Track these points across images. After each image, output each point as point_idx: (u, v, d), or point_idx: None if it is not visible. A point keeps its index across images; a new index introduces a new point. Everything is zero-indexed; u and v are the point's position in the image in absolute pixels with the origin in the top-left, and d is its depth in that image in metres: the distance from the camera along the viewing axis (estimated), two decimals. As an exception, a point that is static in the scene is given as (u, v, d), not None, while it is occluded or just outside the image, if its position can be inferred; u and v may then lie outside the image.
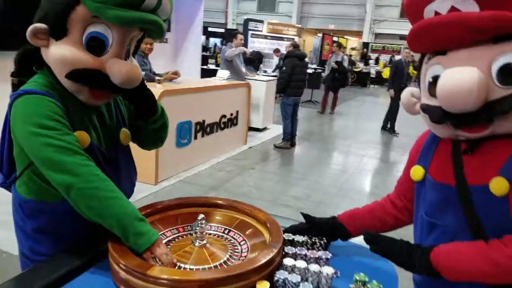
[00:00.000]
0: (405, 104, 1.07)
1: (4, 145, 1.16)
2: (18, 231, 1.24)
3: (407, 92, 1.07)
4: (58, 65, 1.07)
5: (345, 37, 19.02)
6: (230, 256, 1.13)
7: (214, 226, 1.30)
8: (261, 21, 12.76)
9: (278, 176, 5.12)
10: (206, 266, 1.07)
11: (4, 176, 1.21)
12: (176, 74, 4.97)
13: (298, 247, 1.13)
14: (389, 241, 1.03)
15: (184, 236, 1.24)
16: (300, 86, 6.12)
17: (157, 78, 4.42)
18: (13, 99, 1.07)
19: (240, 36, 6.50)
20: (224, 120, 5.54)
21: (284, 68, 6.04)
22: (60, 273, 1.03)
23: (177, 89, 4.49)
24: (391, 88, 7.75)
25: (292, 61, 5.97)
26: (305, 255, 1.09)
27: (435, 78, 0.93)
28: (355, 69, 16.98)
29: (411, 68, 7.69)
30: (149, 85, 1.25)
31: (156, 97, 1.29)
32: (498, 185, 0.89)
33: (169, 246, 1.16)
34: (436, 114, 0.94)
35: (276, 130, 7.22)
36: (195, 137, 4.89)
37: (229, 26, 21.86)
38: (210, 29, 14.42)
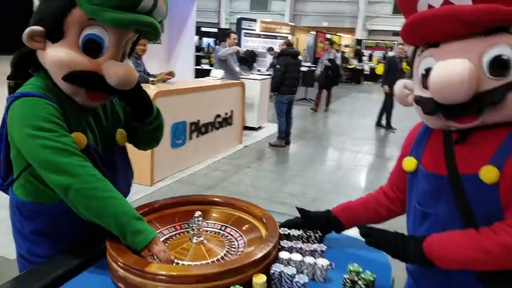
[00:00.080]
0: (398, 96, 1.09)
1: (1, 148, 1.17)
2: (16, 233, 1.25)
3: (400, 84, 1.09)
4: (54, 67, 1.08)
5: (338, 34, 19.02)
6: (227, 251, 1.15)
7: (211, 223, 1.31)
8: (254, 20, 12.75)
9: (274, 174, 5.14)
10: (203, 262, 1.08)
11: (1, 179, 1.21)
12: (171, 74, 4.96)
13: (294, 241, 1.15)
14: (384, 233, 1.05)
15: (182, 234, 1.25)
16: (294, 84, 6.14)
17: (150, 79, 4.41)
18: (10, 102, 1.07)
19: (233, 36, 6.48)
20: (219, 119, 5.54)
21: (278, 66, 6.05)
22: (58, 274, 1.03)
23: (171, 89, 4.48)
24: (385, 84, 7.79)
25: (286, 59, 5.98)
26: (301, 248, 1.11)
27: (428, 70, 0.95)
28: (348, 66, 17.00)
29: (404, 64, 7.73)
30: (143, 87, 1.25)
31: (150, 98, 1.30)
32: (488, 173, 0.92)
33: (166, 244, 1.17)
34: (429, 106, 0.96)
35: (271, 129, 7.22)
36: (190, 138, 4.89)
37: (222, 26, 21.78)
38: (203, 29, 14.35)
